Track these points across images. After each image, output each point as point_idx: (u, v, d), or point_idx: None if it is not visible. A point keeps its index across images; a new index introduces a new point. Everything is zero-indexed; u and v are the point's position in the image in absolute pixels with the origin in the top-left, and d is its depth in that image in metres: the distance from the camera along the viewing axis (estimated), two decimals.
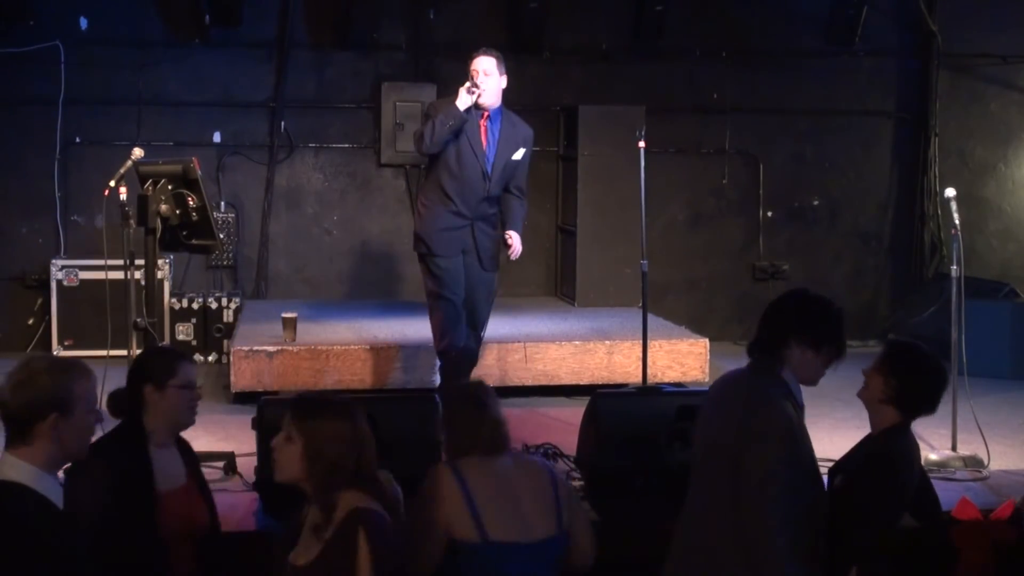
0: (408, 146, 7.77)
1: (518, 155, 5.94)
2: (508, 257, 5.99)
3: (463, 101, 5.71)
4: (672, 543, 3.28)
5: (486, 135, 5.86)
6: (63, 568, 2.69)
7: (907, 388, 3.53)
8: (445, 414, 3.52)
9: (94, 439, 3.07)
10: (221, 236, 7.09)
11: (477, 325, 6.04)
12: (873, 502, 3.39)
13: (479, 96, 5.74)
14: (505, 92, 5.91)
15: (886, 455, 3.48)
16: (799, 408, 3.25)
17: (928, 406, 3.60)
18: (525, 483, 3.34)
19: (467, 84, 5.74)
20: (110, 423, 3.47)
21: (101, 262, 7.37)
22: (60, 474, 2.95)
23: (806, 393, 3.35)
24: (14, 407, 2.76)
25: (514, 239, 5.96)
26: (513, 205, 6.01)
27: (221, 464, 5.05)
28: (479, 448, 3.35)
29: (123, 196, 5.16)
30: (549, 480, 3.38)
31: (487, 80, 5.76)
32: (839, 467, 3.66)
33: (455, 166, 5.80)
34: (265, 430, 4.45)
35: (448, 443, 3.44)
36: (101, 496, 3.23)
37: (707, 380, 7.04)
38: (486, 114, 5.85)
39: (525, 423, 5.88)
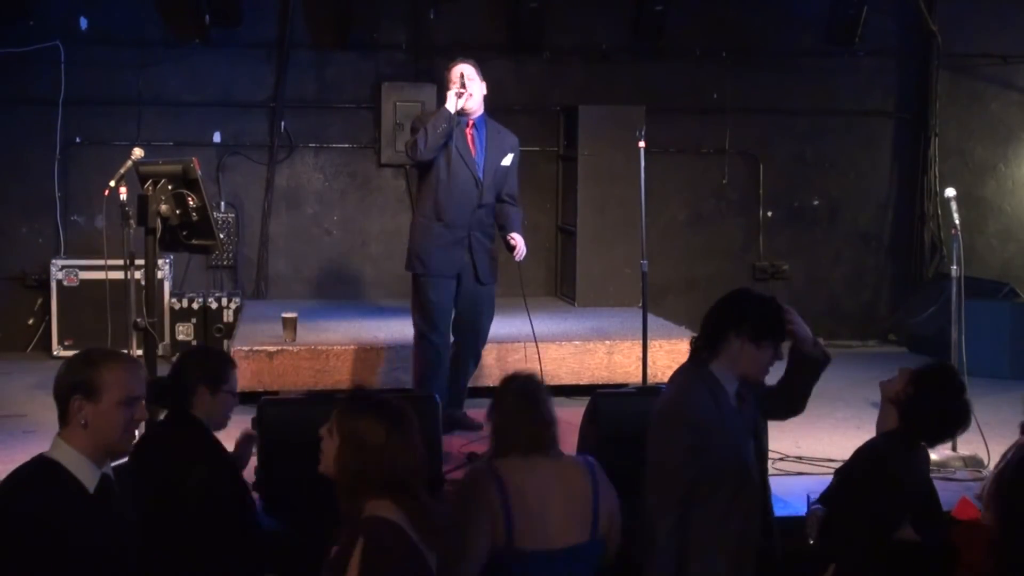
0: None
1: (507, 161, 5.95)
2: (514, 258, 5.96)
3: (452, 104, 5.74)
4: None
5: (473, 143, 5.87)
6: (77, 548, 2.73)
7: (920, 404, 3.47)
8: (495, 404, 3.46)
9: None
10: (221, 236, 7.08)
11: (478, 342, 6.05)
12: (861, 500, 3.38)
13: (468, 98, 5.76)
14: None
15: (879, 456, 3.47)
16: (728, 399, 3.35)
17: (929, 436, 3.54)
18: (562, 489, 3.32)
19: (454, 88, 5.78)
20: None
21: (101, 262, 7.36)
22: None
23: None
24: (54, 387, 2.88)
25: (517, 240, 5.93)
26: (509, 211, 6.00)
27: None
28: (522, 445, 3.33)
29: (123, 196, 5.16)
30: (591, 488, 3.36)
31: (471, 84, 5.81)
32: (839, 468, 3.66)
33: (446, 177, 5.80)
34: (265, 430, 4.46)
35: (494, 434, 3.41)
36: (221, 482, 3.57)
37: None
38: (471, 122, 5.88)
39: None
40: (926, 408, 3.46)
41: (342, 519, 2.86)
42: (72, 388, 2.83)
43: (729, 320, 3.40)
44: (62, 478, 2.81)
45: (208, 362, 3.80)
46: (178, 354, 4.04)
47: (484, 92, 5.92)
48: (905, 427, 3.49)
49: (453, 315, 5.92)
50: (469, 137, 5.88)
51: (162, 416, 3.88)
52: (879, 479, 3.40)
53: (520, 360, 6.77)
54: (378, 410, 2.90)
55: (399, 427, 2.87)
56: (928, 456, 3.58)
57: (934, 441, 3.59)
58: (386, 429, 2.85)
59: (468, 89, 5.78)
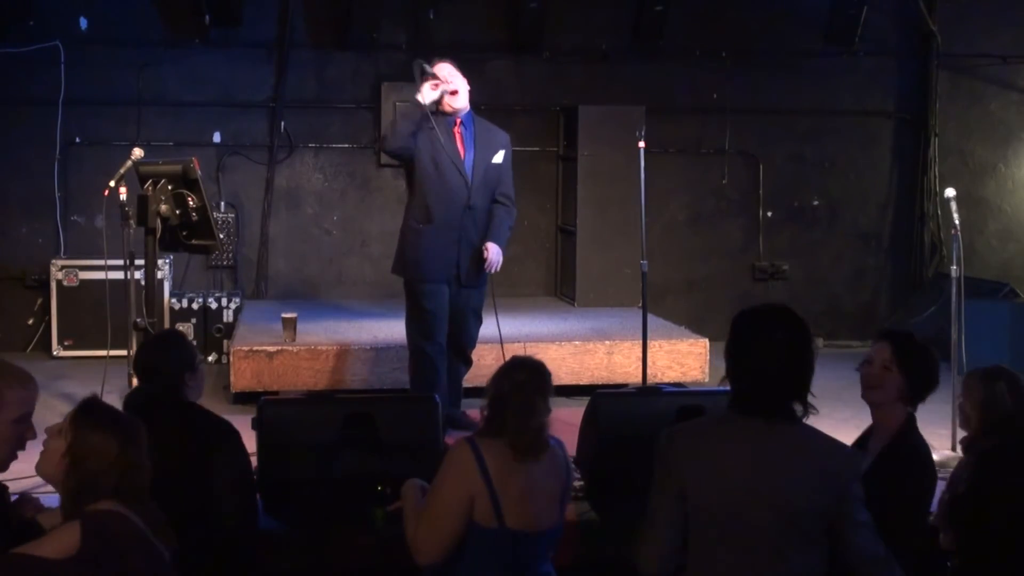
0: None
1: (498, 158, 5.78)
2: (487, 267, 5.73)
3: (426, 95, 5.57)
4: None
5: (461, 141, 5.71)
6: None
7: (921, 380, 3.56)
8: (495, 389, 3.40)
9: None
10: (221, 236, 7.09)
11: (465, 347, 5.93)
12: (913, 495, 3.42)
13: (454, 92, 5.61)
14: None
15: (918, 446, 3.52)
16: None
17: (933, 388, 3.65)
18: (546, 476, 3.35)
19: (428, 82, 5.59)
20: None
21: (101, 262, 7.37)
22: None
23: None
24: None
25: (491, 250, 5.69)
26: (498, 213, 5.79)
27: None
28: (511, 444, 3.31)
29: (123, 196, 5.17)
30: (565, 475, 3.43)
31: (456, 79, 5.66)
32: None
33: (434, 177, 5.64)
34: (265, 430, 4.46)
35: (486, 423, 3.38)
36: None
37: (707, 380, 7.04)
38: (459, 120, 5.72)
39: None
40: (929, 379, 3.59)
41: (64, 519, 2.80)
42: None
43: None
44: None
45: (178, 348, 3.86)
46: (140, 353, 4.00)
47: (468, 88, 5.74)
48: (914, 409, 3.57)
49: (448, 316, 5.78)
50: (457, 136, 5.72)
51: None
52: (926, 469, 3.51)
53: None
54: (113, 425, 2.85)
55: (132, 443, 2.83)
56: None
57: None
58: (119, 444, 2.80)
59: (453, 84, 5.62)
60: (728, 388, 2.92)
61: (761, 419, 2.83)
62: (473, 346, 6.00)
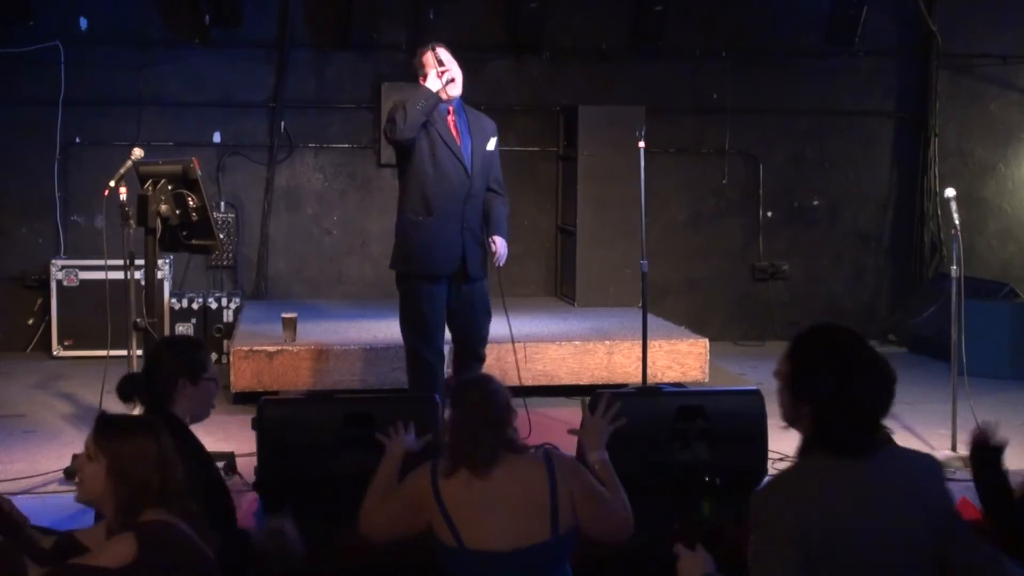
0: None
1: (491, 146, 5.64)
2: (494, 263, 5.61)
3: (433, 83, 5.41)
4: None
5: (457, 129, 5.55)
6: None
7: None
8: (450, 414, 3.40)
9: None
10: (221, 236, 7.08)
11: (477, 345, 5.71)
12: None
13: (452, 79, 5.43)
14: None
15: None
16: None
17: None
18: (513, 491, 3.24)
19: (436, 69, 5.42)
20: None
21: (101, 262, 7.37)
22: None
23: None
24: None
25: (499, 244, 5.54)
26: (495, 205, 5.63)
27: (221, 464, 5.03)
28: (467, 463, 3.26)
29: (123, 196, 5.16)
30: (547, 486, 3.25)
31: (452, 66, 5.47)
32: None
33: (432, 169, 5.45)
34: (265, 430, 4.46)
35: (448, 449, 3.34)
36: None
37: (707, 380, 7.04)
38: (451, 108, 5.55)
39: (524, 423, 5.87)
40: None
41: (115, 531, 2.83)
42: None
43: None
44: None
45: (185, 352, 3.65)
46: (151, 348, 3.95)
47: (461, 75, 5.54)
48: None
49: (446, 319, 5.63)
50: (451, 124, 5.55)
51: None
52: None
53: (520, 360, 6.77)
54: (138, 428, 2.91)
55: (160, 439, 2.88)
56: None
57: None
58: (153, 441, 2.86)
59: (451, 71, 5.44)
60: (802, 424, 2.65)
61: (853, 456, 2.58)
62: (485, 343, 5.79)
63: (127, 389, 3.69)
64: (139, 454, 2.83)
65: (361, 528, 3.41)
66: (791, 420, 2.69)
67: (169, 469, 2.86)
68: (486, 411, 3.30)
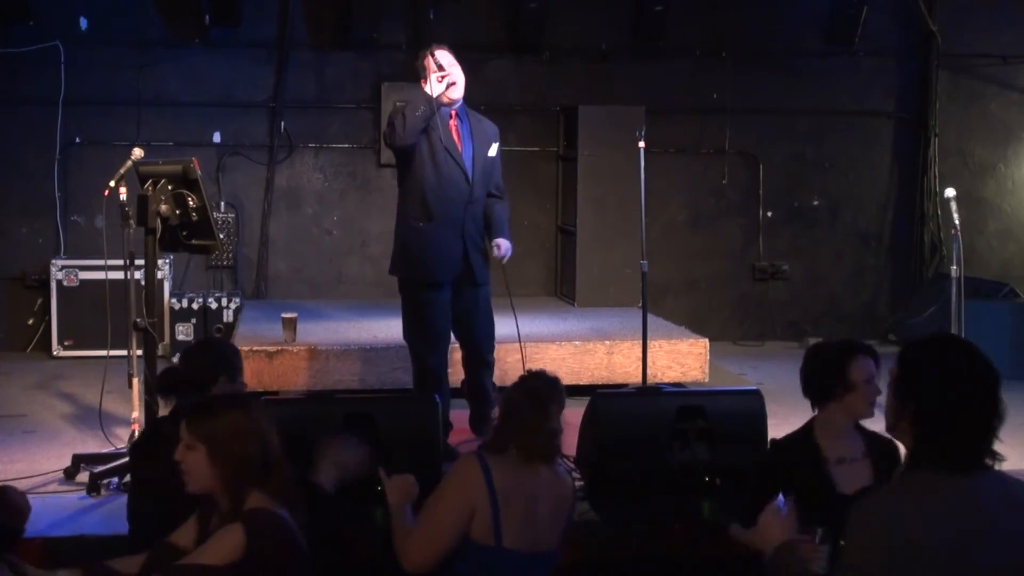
0: None
1: (492, 151, 5.59)
2: (500, 260, 5.54)
3: (434, 88, 5.32)
4: None
5: (458, 135, 5.49)
6: None
7: None
8: (505, 399, 3.44)
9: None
10: (221, 236, 7.08)
11: (485, 351, 5.65)
12: None
13: (453, 84, 5.36)
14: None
15: None
16: None
17: None
18: (550, 496, 3.35)
19: (436, 73, 5.33)
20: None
21: (101, 262, 7.36)
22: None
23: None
24: None
25: (502, 245, 5.49)
26: (496, 209, 5.58)
27: None
28: (522, 450, 3.33)
29: (123, 196, 5.16)
30: (571, 499, 3.45)
31: (454, 70, 5.40)
32: None
33: (433, 174, 5.38)
34: None
35: (495, 430, 3.41)
36: None
37: (707, 380, 7.04)
38: (454, 112, 5.49)
39: None
40: None
41: (223, 520, 2.85)
42: None
43: None
44: None
45: (225, 352, 3.89)
46: (190, 345, 4.08)
47: (464, 79, 5.48)
48: None
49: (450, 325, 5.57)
50: (453, 129, 5.49)
51: (165, 412, 3.86)
52: None
53: (519, 360, 6.77)
54: (223, 402, 2.96)
55: (250, 409, 2.94)
56: None
57: None
58: (241, 413, 2.90)
59: (453, 75, 5.37)
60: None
61: (956, 471, 2.46)
62: (493, 348, 5.76)
63: (168, 381, 3.80)
64: (234, 431, 2.85)
65: (410, 569, 3.34)
66: (892, 424, 2.61)
67: (266, 438, 2.88)
68: (558, 411, 3.43)
